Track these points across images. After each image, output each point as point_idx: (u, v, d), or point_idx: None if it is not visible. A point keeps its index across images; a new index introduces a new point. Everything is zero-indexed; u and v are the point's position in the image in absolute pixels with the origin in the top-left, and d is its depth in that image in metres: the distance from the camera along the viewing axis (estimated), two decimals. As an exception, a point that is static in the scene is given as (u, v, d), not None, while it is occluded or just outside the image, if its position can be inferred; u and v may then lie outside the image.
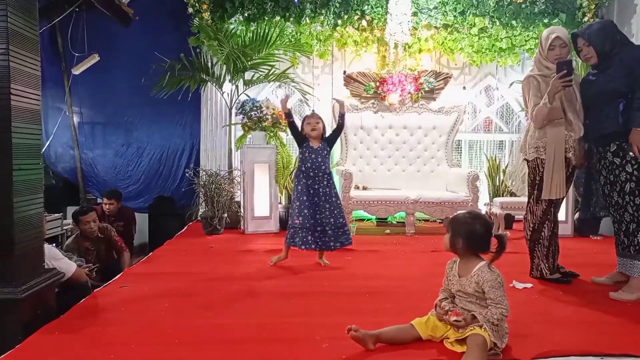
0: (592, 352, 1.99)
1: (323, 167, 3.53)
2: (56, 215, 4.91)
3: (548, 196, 2.97)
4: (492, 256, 2.02)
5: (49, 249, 2.73)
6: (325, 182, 3.53)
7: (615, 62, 2.77)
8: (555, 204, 3.05)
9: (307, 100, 5.51)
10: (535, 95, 2.98)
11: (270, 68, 5.29)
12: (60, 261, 2.80)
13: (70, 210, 5.73)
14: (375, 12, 5.56)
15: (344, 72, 5.77)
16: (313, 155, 3.52)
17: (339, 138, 5.56)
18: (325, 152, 3.56)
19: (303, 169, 3.53)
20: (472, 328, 1.93)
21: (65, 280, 2.74)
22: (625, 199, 2.77)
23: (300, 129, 3.62)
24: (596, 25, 2.96)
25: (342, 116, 3.64)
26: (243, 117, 5.02)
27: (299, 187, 3.53)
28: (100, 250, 4.08)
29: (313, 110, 5.68)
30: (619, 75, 2.74)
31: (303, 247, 3.48)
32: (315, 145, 3.55)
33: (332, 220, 3.50)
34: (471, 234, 2.01)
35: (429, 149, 5.59)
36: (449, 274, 2.13)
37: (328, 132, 3.72)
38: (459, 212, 2.17)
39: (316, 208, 3.50)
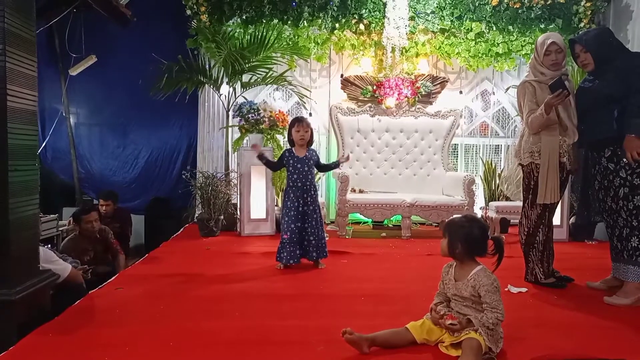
0: (586, 357, 1.99)
1: (310, 177, 3.53)
2: (52, 216, 4.89)
3: (543, 201, 2.98)
4: (495, 264, 2.03)
5: (44, 252, 2.72)
6: (312, 192, 3.54)
7: (611, 68, 2.79)
8: (549, 209, 3.06)
9: (305, 103, 5.52)
10: (531, 101, 3.00)
11: (267, 71, 5.30)
12: (55, 263, 2.79)
13: (66, 211, 5.72)
14: (372, 16, 5.58)
15: (342, 75, 5.80)
16: (299, 165, 3.51)
17: (336, 141, 5.62)
18: (311, 162, 3.56)
19: (290, 181, 3.54)
20: (467, 332, 1.94)
21: (60, 282, 2.74)
22: (619, 204, 2.78)
23: (287, 132, 3.63)
24: (593, 31, 2.99)
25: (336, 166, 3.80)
26: (240, 120, 5.02)
27: (288, 203, 3.53)
28: (98, 251, 4.05)
29: (308, 115, 5.72)
30: (614, 81, 2.76)
31: (291, 261, 3.48)
32: (301, 154, 3.54)
33: (315, 231, 3.52)
34: (469, 238, 2.01)
35: (426, 152, 5.61)
36: (444, 278, 2.14)
37: (317, 139, 3.72)
38: (454, 216, 2.18)
39: (305, 218, 3.51)
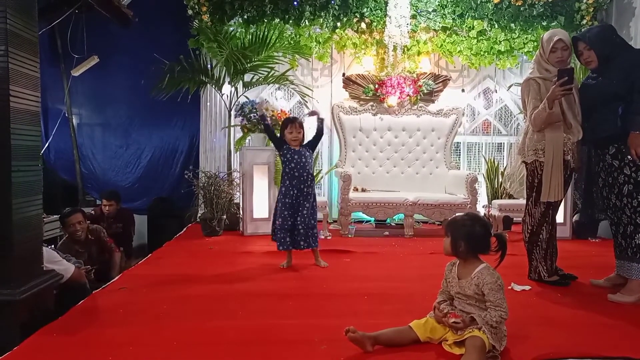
0: (590, 355, 1.99)
1: (307, 167, 3.53)
2: (55, 216, 4.90)
3: (547, 199, 2.97)
4: (497, 261, 2.02)
5: (47, 252, 2.72)
6: (309, 182, 3.54)
7: (615, 65, 2.78)
8: (553, 207, 3.05)
9: (307, 102, 5.51)
10: (535, 98, 2.98)
11: (269, 70, 5.30)
12: (58, 263, 2.79)
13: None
14: (374, 14, 5.57)
15: (343, 74, 5.79)
16: (296, 157, 3.51)
17: (339, 140, 5.61)
18: (308, 153, 3.56)
19: (287, 169, 3.52)
20: (470, 330, 1.93)
21: (64, 281, 2.74)
22: (623, 201, 2.77)
23: (280, 132, 3.60)
24: (596, 29, 2.98)
25: (321, 122, 3.71)
26: (242, 119, 5.02)
27: (283, 189, 3.53)
28: (92, 252, 4.00)
29: (305, 114, 5.71)
30: (617, 78, 2.75)
31: (280, 247, 3.49)
32: (296, 148, 3.55)
33: (306, 219, 3.51)
34: (472, 236, 2.01)
35: (428, 151, 5.60)
36: (448, 276, 2.14)
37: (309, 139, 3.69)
38: (456, 215, 2.17)
39: (298, 207, 3.50)
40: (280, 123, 4.96)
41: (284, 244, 3.49)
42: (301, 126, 3.55)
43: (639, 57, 2.79)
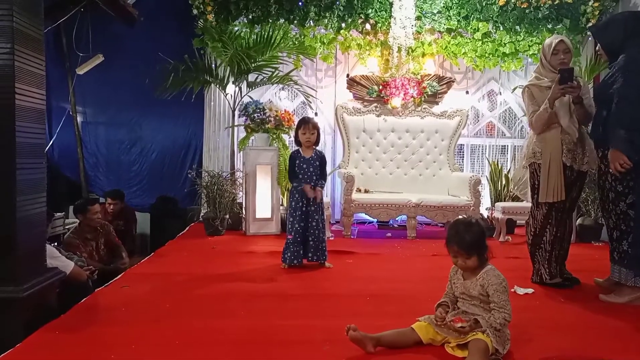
0: (594, 358, 1.98)
1: (314, 178, 3.54)
2: (58, 214, 4.92)
3: (545, 199, 2.95)
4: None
5: (46, 248, 2.73)
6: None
7: (616, 65, 2.69)
8: (556, 208, 2.98)
9: (310, 103, 5.51)
10: (532, 103, 3.03)
11: (273, 70, 5.29)
12: (57, 259, 2.80)
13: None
14: (379, 15, 5.57)
15: (347, 75, 5.79)
16: (305, 166, 3.53)
17: (342, 141, 5.61)
18: (317, 163, 3.56)
19: (295, 184, 3.55)
20: (474, 333, 1.93)
21: (63, 278, 2.75)
22: (610, 206, 2.79)
23: (295, 134, 3.64)
24: (606, 20, 2.92)
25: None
26: (246, 119, 5.02)
27: (293, 203, 3.55)
28: (99, 243, 4.14)
29: (314, 115, 5.72)
30: (608, 79, 2.71)
31: (295, 261, 3.49)
32: (307, 155, 3.56)
33: (316, 232, 3.52)
34: (477, 241, 2.01)
35: (431, 152, 5.59)
36: (453, 278, 2.14)
37: (322, 139, 3.69)
38: (455, 224, 2.10)
39: (308, 219, 3.52)
40: (283, 123, 5.01)
41: (298, 257, 3.50)
42: (314, 127, 3.56)
43: (632, 59, 2.61)
